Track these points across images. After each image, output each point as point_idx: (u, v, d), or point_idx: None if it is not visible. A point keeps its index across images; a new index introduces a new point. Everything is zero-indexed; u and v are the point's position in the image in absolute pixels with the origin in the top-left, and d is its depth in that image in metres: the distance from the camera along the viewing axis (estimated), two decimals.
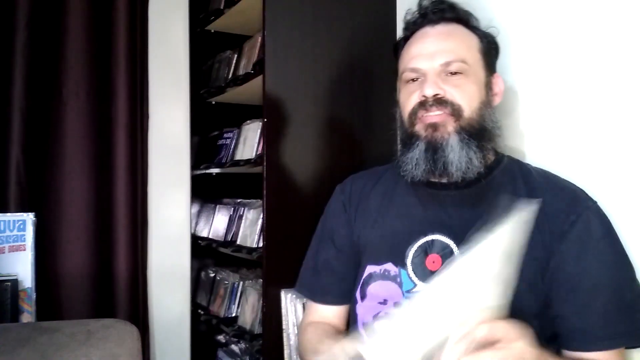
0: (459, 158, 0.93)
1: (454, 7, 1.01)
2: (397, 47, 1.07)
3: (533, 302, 0.91)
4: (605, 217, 0.93)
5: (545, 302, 0.91)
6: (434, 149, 0.94)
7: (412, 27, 1.02)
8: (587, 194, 0.95)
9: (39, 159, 1.57)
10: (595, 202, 0.93)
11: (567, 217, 0.91)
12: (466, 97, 0.95)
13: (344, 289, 1.12)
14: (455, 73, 0.95)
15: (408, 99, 0.98)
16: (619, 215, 0.96)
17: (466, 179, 0.95)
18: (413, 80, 0.99)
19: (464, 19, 1.01)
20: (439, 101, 0.94)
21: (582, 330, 0.88)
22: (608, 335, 0.87)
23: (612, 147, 1.02)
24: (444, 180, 0.99)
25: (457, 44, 0.97)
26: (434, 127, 0.95)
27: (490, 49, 1.02)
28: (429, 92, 0.94)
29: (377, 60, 1.49)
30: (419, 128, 0.97)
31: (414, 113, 0.97)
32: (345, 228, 1.11)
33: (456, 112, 0.94)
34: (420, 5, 1.03)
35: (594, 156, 1.05)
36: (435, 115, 0.94)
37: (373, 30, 1.50)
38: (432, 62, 0.96)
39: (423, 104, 0.95)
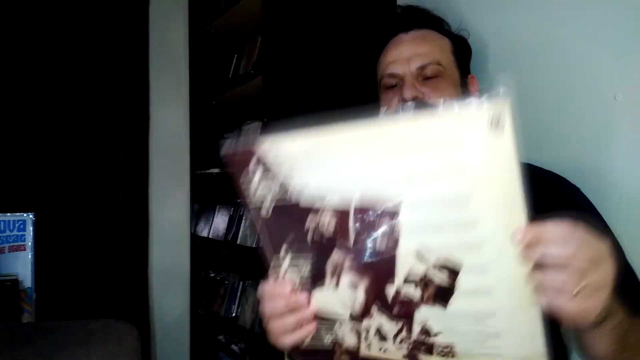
0: None
1: (425, 13, 1.05)
2: (375, 56, 1.08)
3: None
4: (589, 201, 0.93)
5: None
6: None
7: (387, 35, 1.04)
8: (569, 181, 0.95)
9: (39, 159, 1.57)
10: (578, 188, 0.93)
11: (551, 200, 0.90)
12: (445, 98, 0.96)
13: None
14: (432, 77, 0.97)
15: (389, 105, 1.00)
16: (613, 212, 0.96)
17: None
18: (392, 86, 1.00)
19: (436, 24, 1.04)
20: (419, 105, 0.96)
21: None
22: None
23: (597, 145, 1.03)
24: None
25: (431, 47, 0.99)
26: None
27: (462, 51, 1.05)
28: (408, 95, 0.95)
29: (377, 59, 1.49)
30: None
31: None
32: None
33: None
34: (393, 13, 1.06)
35: (580, 154, 1.05)
36: None
37: (372, 29, 1.50)
38: (409, 66, 0.98)
39: (403, 109, 0.97)
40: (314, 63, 1.46)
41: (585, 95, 1.07)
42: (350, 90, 1.51)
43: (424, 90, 0.96)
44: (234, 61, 2.01)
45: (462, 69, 1.03)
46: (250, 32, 2.00)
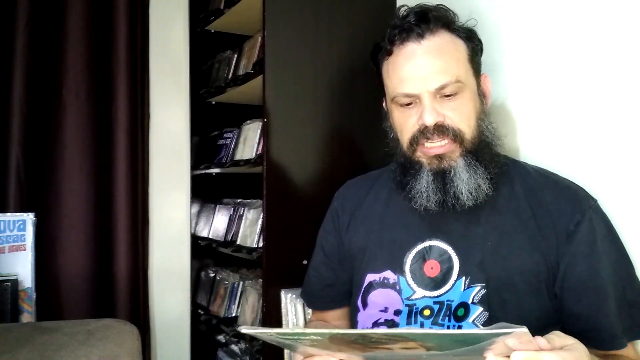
0: (468, 187, 0.92)
1: (437, 16, 0.94)
2: (375, 54, 1.02)
3: (535, 304, 0.91)
4: (605, 215, 0.94)
5: (550, 303, 0.91)
6: (442, 178, 0.93)
7: (397, 42, 0.95)
8: (587, 193, 0.95)
9: (39, 159, 1.56)
10: (595, 201, 0.94)
11: (571, 217, 0.91)
12: (465, 118, 0.93)
13: (332, 294, 1.13)
14: (451, 94, 0.92)
15: (405, 125, 0.95)
16: (615, 211, 0.97)
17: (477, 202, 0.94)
18: (407, 104, 0.94)
19: (447, 24, 0.95)
20: (440, 129, 0.91)
21: (598, 329, 0.89)
22: (622, 332, 0.88)
23: (607, 142, 1.02)
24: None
25: (448, 61, 0.92)
26: (439, 158, 0.94)
27: (476, 50, 0.98)
28: (429, 120, 0.91)
29: (380, 61, 1.48)
30: (422, 156, 0.96)
31: (414, 139, 0.94)
32: (332, 236, 1.12)
33: (458, 137, 0.92)
34: (401, 17, 0.96)
35: (589, 151, 1.05)
36: (439, 146, 0.92)
37: (373, 30, 1.50)
38: (426, 85, 0.91)
39: (423, 132, 0.92)
40: (314, 63, 1.46)
41: (578, 90, 1.07)
42: (350, 89, 1.51)
43: (444, 111, 0.91)
44: (234, 61, 2.01)
45: (477, 72, 0.97)
46: (250, 32, 2.00)
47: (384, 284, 0.99)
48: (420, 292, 0.95)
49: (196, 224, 2.22)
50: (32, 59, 1.55)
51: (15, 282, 1.32)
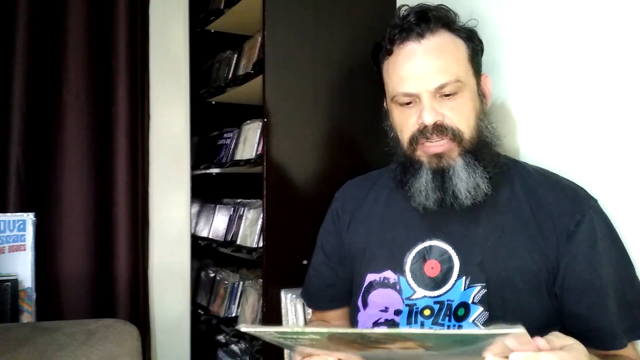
0: (467, 186, 0.93)
1: (437, 15, 0.95)
2: (375, 54, 1.02)
3: (535, 304, 0.91)
4: (605, 215, 0.94)
5: (550, 303, 0.91)
6: (441, 177, 0.94)
7: (397, 41, 0.96)
8: (587, 193, 0.95)
9: (39, 159, 1.56)
10: (596, 201, 0.94)
11: (572, 217, 0.91)
12: (464, 118, 0.93)
13: (333, 294, 1.13)
14: (451, 94, 0.92)
15: (405, 124, 0.96)
16: (615, 211, 0.97)
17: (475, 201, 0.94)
18: (407, 103, 0.95)
19: (447, 25, 0.96)
20: (439, 128, 0.92)
21: (598, 329, 0.89)
22: (623, 332, 0.88)
23: (607, 142, 1.02)
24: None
25: (447, 61, 0.92)
26: (439, 157, 0.94)
27: (477, 50, 0.99)
28: (428, 120, 0.91)
29: (381, 60, 1.48)
30: (421, 155, 0.96)
31: (413, 139, 0.95)
32: (333, 236, 1.12)
33: (457, 137, 0.93)
34: (402, 17, 0.97)
35: (589, 151, 1.05)
36: (438, 145, 0.93)
37: (373, 29, 1.50)
38: (426, 84, 0.92)
39: (422, 132, 0.93)
40: (314, 63, 1.46)
41: (578, 90, 1.07)
42: (350, 89, 1.51)
43: (443, 111, 0.92)
44: (234, 61, 2.01)
45: (477, 72, 0.98)
46: (250, 32, 2.00)
47: (384, 283, 0.99)
48: (420, 292, 0.96)
49: (196, 224, 2.22)
50: (32, 59, 1.55)
51: (15, 282, 1.32)
